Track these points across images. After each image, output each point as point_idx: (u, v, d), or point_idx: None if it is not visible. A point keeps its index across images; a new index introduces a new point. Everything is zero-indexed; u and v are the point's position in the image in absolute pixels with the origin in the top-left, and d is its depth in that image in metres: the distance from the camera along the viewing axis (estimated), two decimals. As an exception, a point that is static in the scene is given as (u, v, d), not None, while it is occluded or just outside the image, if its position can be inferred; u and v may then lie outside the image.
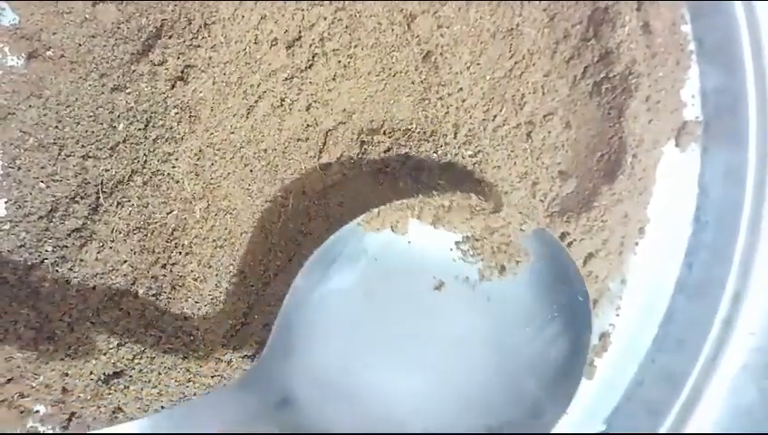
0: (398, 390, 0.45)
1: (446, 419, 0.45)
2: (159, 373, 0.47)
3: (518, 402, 0.46)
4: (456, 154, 0.50)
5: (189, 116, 0.47)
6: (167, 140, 0.47)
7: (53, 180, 0.46)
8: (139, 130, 0.46)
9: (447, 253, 0.47)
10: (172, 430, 0.38)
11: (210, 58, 0.47)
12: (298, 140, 0.49)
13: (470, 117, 0.51)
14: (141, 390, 0.47)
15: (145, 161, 0.47)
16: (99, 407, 0.47)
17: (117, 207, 0.46)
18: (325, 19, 0.48)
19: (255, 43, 0.47)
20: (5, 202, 0.46)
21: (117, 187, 0.46)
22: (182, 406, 0.40)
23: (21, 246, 0.46)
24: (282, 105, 0.48)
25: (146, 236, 0.47)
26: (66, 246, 0.46)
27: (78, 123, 0.46)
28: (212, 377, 0.48)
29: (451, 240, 0.47)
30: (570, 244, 0.53)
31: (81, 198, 0.46)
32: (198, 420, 0.39)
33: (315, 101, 0.49)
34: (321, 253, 0.45)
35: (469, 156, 0.51)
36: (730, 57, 0.55)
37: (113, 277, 0.46)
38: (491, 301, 0.47)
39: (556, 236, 0.49)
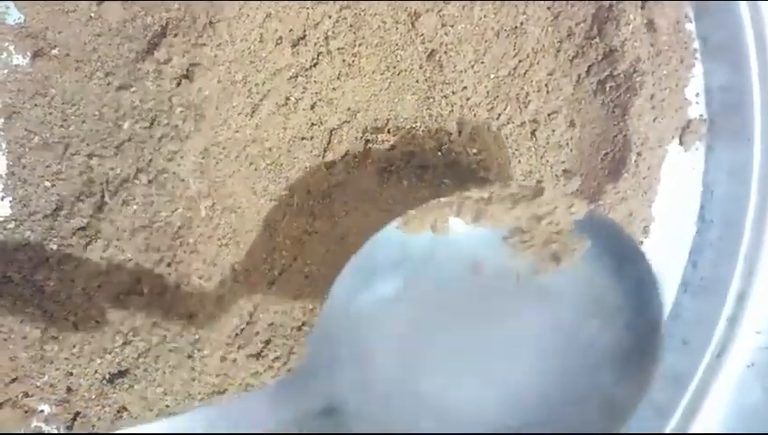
0: (457, 396, 0.43)
1: (512, 422, 0.43)
2: (164, 372, 0.47)
3: (590, 399, 0.43)
4: (460, 153, 0.50)
5: (194, 114, 0.47)
6: (172, 139, 0.47)
7: (58, 179, 0.46)
8: (145, 128, 0.46)
9: (496, 250, 0.44)
10: (207, 430, 0.37)
11: (215, 56, 0.47)
12: (302, 138, 0.49)
13: (474, 115, 0.51)
14: (146, 389, 0.47)
15: (150, 160, 0.47)
16: (103, 406, 0.47)
17: (122, 205, 0.46)
18: (330, 18, 0.48)
19: (260, 41, 0.47)
20: (10, 201, 0.46)
21: (122, 185, 0.46)
22: (218, 406, 0.39)
23: (26, 245, 0.46)
24: (286, 104, 0.48)
25: (151, 234, 0.47)
26: (71, 245, 0.46)
27: (83, 122, 0.46)
28: (217, 376, 0.48)
29: (498, 236, 0.44)
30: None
31: (87, 196, 0.46)
32: (234, 421, 0.38)
33: (320, 100, 0.49)
34: (359, 261, 0.42)
35: (473, 154, 0.51)
36: (735, 55, 0.55)
37: (118, 276, 0.46)
38: (550, 296, 0.44)
39: (609, 216, 0.47)
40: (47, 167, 0.46)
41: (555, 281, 0.44)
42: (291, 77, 0.48)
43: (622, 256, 0.44)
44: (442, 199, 0.43)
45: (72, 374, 0.46)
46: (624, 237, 0.44)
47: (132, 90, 0.46)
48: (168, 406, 0.47)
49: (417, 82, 0.50)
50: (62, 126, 0.46)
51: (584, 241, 0.43)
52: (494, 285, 0.44)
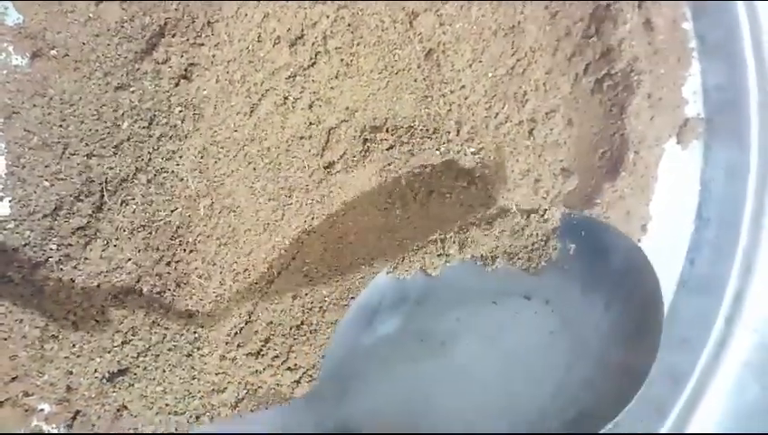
0: (467, 417, 0.43)
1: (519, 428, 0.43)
2: (164, 371, 0.47)
3: (588, 399, 0.43)
4: (458, 151, 0.51)
5: (193, 114, 0.47)
6: (171, 138, 0.47)
7: (58, 179, 0.46)
8: (143, 128, 0.47)
9: (489, 275, 0.45)
10: None
11: (214, 56, 0.47)
12: (301, 137, 0.49)
13: (472, 114, 0.51)
14: (146, 387, 0.47)
15: (149, 159, 0.47)
16: (103, 405, 0.47)
17: (121, 205, 0.46)
18: (328, 17, 0.48)
19: (258, 41, 0.47)
20: (10, 201, 0.46)
21: (121, 185, 0.46)
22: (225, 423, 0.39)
23: (25, 245, 0.46)
24: (285, 103, 0.48)
25: (150, 233, 0.47)
26: (71, 245, 0.46)
27: (82, 122, 0.46)
28: (216, 374, 0.48)
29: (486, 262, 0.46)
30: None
31: (86, 196, 0.46)
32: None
33: (318, 99, 0.49)
34: (359, 307, 0.44)
35: (472, 153, 0.51)
36: (731, 54, 0.55)
37: (118, 275, 0.47)
38: (550, 308, 0.45)
39: (596, 218, 0.48)
40: (46, 167, 0.46)
41: (555, 293, 0.45)
42: (289, 76, 0.48)
43: (616, 254, 0.44)
44: (420, 243, 0.45)
45: (71, 373, 0.47)
46: (612, 233, 0.45)
47: (131, 90, 0.46)
48: (167, 404, 0.48)
49: (416, 81, 0.50)
50: (60, 126, 0.46)
51: (563, 242, 0.45)
52: (496, 307, 0.45)
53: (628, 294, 0.43)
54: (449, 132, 0.51)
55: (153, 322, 0.47)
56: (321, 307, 0.50)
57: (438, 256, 0.46)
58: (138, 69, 0.46)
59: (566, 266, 0.45)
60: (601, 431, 0.42)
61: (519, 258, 0.46)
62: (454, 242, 0.46)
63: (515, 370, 0.44)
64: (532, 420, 0.43)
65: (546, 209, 0.46)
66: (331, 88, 0.49)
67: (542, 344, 0.44)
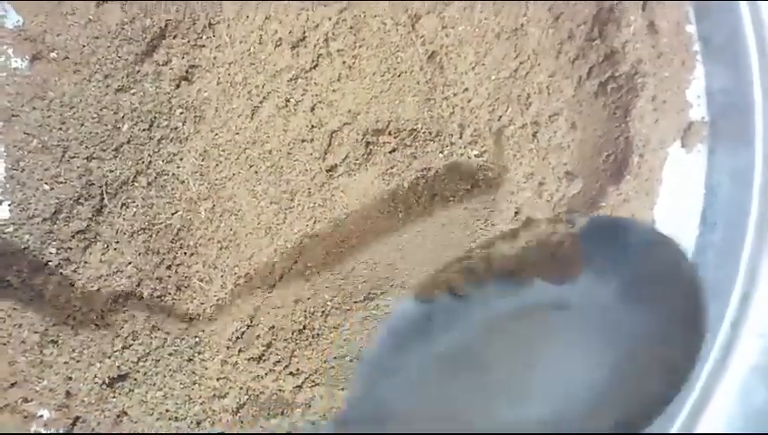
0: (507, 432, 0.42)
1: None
2: (165, 376, 0.47)
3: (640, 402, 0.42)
4: (461, 154, 0.50)
5: (194, 116, 0.46)
6: (171, 141, 0.46)
7: (57, 182, 0.46)
8: (144, 130, 0.46)
9: (517, 287, 0.45)
10: None
11: (215, 58, 0.46)
12: (303, 140, 0.49)
13: (475, 117, 0.51)
14: (146, 393, 0.47)
15: (149, 162, 0.46)
16: (103, 411, 0.47)
17: (121, 208, 0.46)
18: (330, 19, 0.48)
19: (260, 43, 0.47)
20: (9, 204, 0.46)
21: (121, 188, 0.46)
22: None
23: (25, 249, 0.46)
24: (286, 106, 0.48)
25: (151, 237, 0.46)
26: (70, 248, 0.46)
27: (82, 124, 0.46)
28: (217, 379, 0.48)
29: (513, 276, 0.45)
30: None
31: (86, 199, 0.46)
32: None
33: (320, 102, 0.49)
34: (387, 334, 0.43)
35: (475, 156, 0.51)
36: (736, 57, 0.55)
37: (118, 279, 0.46)
38: (582, 314, 0.44)
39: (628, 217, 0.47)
40: (46, 170, 0.46)
41: (592, 301, 0.44)
42: (291, 79, 0.48)
43: (642, 247, 0.43)
44: (447, 269, 0.45)
45: (71, 379, 0.46)
46: (638, 226, 0.45)
47: (131, 92, 0.46)
48: (168, 410, 0.47)
49: (418, 83, 0.50)
50: (60, 129, 0.46)
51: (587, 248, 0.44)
52: (530, 321, 0.44)
53: (667, 293, 0.42)
54: (452, 135, 0.50)
55: (153, 326, 0.47)
56: (323, 311, 0.49)
57: (465, 275, 0.46)
58: (138, 71, 0.46)
59: (597, 271, 0.44)
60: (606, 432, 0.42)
61: (549, 270, 0.45)
62: (480, 259, 0.46)
63: (554, 382, 0.43)
64: (574, 429, 0.42)
65: (571, 215, 0.46)
66: (333, 90, 0.49)
67: (578, 353, 0.43)
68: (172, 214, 0.47)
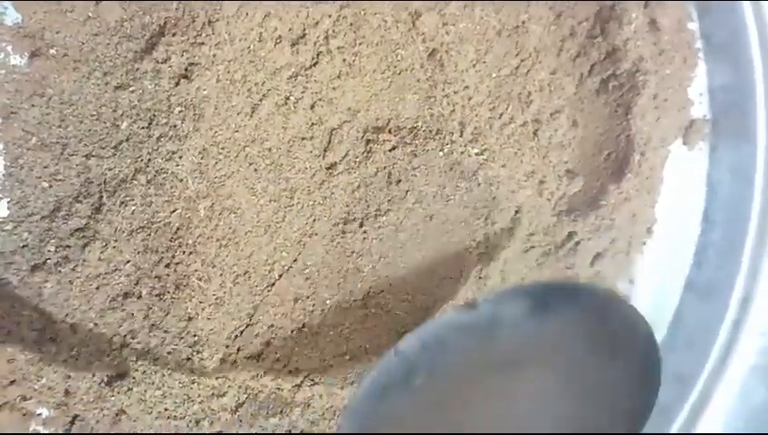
0: None
1: None
2: (163, 375, 0.47)
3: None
4: (462, 152, 0.50)
5: (193, 114, 0.46)
6: (170, 139, 0.46)
7: (56, 180, 0.46)
8: (143, 128, 0.46)
9: (495, 341, 0.43)
10: None
11: (214, 56, 0.46)
12: (303, 138, 0.49)
13: (476, 115, 0.51)
14: (145, 392, 0.47)
15: (148, 160, 0.46)
16: (102, 409, 0.47)
17: (120, 206, 0.46)
18: (330, 17, 0.48)
19: (260, 40, 0.47)
20: (8, 202, 0.46)
21: (120, 186, 0.46)
22: None
23: (23, 247, 0.45)
24: (286, 103, 0.48)
25: (149, 235, 0.46)
26: (69, 247, 0.46)
27: (81, 122, 0.46)
28: (216, 378, 0.47)
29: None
30: (577, 244, 0.53)
31: (84, 197, 0.46)
32: None
33: (320, 100, 0.48)
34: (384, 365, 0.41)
35: (475, 154, 0.50)
36: (737, 55, 0.55)
37: (117, 277, 0.46)
38: (557, 370, 0.44)
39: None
40: (45, 167, 0.45)
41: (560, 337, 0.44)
42: (290, 76, 0.48)
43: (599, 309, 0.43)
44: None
45: (70, 377, 0.46)
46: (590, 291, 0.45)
47: (130, 89, 0.46)
48: (166, 409, 0.47)
49: (419, 81, 0.50)
50: (59, 126, 0.46)
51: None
52: (498, 377, 0.44)
53: (627, 350, 0.43)
54: (453, 133, 0.50)
55: (152, 325, 0.47)
56: (322, 310, 0.49)
57: (477, 284, 0.47)
58: (137, 68, 0.46)
59: (566, 329, 0.44)
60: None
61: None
62: (495, 270, 0.47)
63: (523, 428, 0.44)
64: None
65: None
66: (333, 88, 0.49)
67: (552, 403, 0.44)
68: (171, 212, 0.47)
